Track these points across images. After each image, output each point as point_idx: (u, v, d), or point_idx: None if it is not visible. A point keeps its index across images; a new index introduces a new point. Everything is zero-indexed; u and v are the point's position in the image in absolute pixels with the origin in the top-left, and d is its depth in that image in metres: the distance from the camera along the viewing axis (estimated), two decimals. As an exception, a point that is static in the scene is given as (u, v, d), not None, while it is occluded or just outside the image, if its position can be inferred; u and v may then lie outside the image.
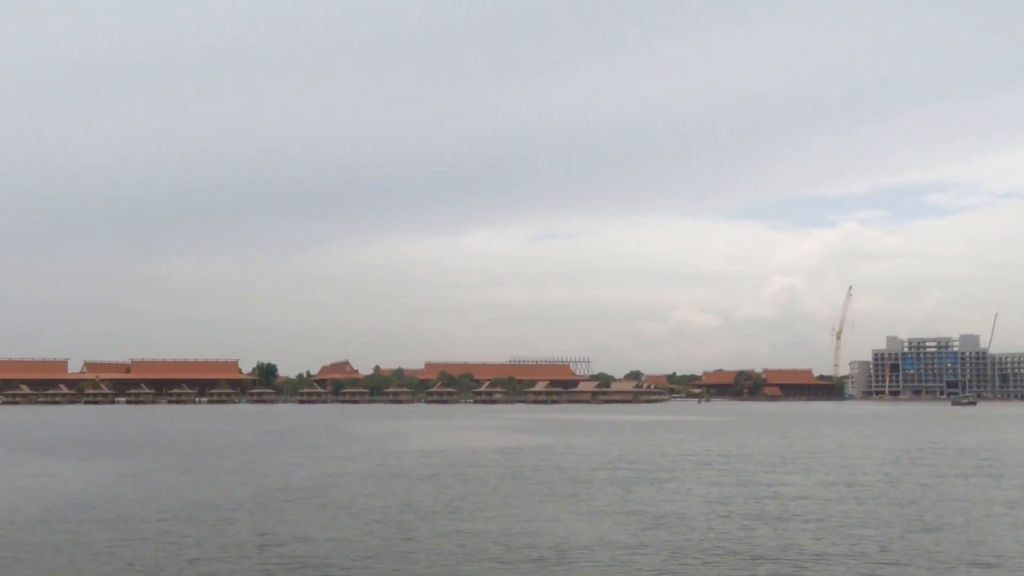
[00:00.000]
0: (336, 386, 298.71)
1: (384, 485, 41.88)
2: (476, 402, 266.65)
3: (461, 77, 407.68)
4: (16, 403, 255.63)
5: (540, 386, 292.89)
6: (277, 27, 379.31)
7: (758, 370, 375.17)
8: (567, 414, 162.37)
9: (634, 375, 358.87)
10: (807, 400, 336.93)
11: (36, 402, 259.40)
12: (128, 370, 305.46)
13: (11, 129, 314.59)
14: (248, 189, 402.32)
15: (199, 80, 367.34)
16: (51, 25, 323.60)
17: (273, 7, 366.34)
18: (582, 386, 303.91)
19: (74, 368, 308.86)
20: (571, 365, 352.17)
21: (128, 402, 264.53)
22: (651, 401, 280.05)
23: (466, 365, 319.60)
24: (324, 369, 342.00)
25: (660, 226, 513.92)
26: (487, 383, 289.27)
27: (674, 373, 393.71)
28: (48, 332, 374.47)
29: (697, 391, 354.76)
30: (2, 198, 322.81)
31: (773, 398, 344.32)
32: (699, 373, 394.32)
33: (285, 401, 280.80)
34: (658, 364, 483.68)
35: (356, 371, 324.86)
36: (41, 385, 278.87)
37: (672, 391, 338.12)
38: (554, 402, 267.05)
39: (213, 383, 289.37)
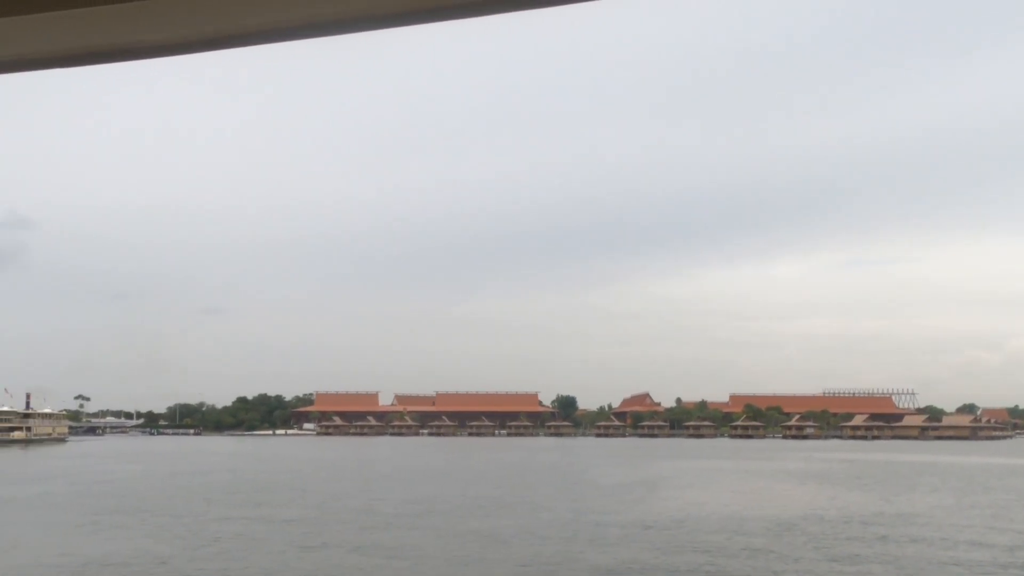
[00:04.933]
0: (635, 419, 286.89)
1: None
2: (784, 437, 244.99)
3: (773, 103, 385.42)
4: (329, 434, 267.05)
5: (858, 419, 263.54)
6: (583, 66, 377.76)
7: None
8: (891, 453, 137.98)
9: (968, 408, 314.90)
10: None
11: (347, 433, 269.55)
12: (434, 403, 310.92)
13: (357, 183, 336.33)
14: (561, 230, 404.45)
15: (514, 131, 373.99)
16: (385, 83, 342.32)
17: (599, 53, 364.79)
18: (907, 420, 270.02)
19: (385, 400, 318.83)
20: (892, 397, 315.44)
21: (431, 434, 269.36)
22: (992, 438, 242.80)
23: (775, 397, 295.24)
24: (624, 402, 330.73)
25: (984, 248, 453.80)
26: (797, 416, 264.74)
27: (1016, 406, 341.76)
28: (366, 367, 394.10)
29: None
30: (347, 250, 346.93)
31: None
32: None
33: (583, 434, 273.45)
34: (992, 397, 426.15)
35: (657, 404, 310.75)
36: (353, 417, 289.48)
37: (1015, 426, 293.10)
38: (875, 438, 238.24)
39: (513, 416, 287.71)
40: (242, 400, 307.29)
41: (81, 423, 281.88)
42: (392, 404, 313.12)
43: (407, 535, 38.26)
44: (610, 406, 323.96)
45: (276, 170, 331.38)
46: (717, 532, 42.52)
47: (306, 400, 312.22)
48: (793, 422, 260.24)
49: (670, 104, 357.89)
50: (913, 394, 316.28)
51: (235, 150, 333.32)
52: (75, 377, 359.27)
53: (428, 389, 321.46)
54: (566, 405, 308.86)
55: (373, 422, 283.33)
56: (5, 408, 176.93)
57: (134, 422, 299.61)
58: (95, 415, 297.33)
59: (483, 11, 1.66)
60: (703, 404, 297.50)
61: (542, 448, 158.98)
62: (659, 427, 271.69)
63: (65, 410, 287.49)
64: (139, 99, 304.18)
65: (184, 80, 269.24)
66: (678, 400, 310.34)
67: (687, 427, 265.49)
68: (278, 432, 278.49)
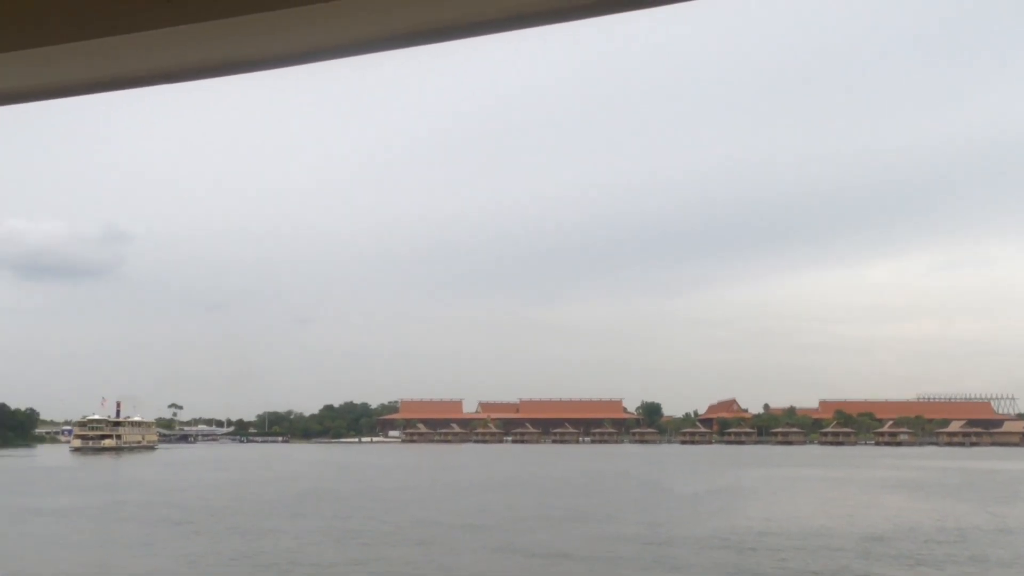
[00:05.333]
0: (722, 425, 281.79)
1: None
2: (877, 443, 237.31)
3: (864, 103, 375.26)
4: (414, 441, 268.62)
5: (955, 426, 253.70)
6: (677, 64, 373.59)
7: None
8: (991, 460, 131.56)
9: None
10: None
11: (432, 440, 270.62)
12: (518, 410, 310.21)
13: (440, 196, 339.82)
14: (648, 235, 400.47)
15: (596, 137, 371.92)
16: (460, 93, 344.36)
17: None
18: (1007, 426, 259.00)
19: (469, 408, 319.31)
20: (991, 402, 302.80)
21: (514, 441, 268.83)
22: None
23: (866, 403, 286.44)
24: (710, 408, 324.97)
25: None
26: (890, 422, 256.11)
27: None
28: (450, 375, 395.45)
29: None
30: (431, 259, 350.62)
31: None
32: None
33: (668, 441, 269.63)
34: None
35: (744, 410, 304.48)
36: (437, 424, 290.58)
37: None
38: (973, 444, 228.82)
39: (597, 422, 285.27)
40: (329, 408, 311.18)
41: (174, 431, 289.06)
42: (476, 411, 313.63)
43: (458, 551, 36.84)
44: (696, 412, 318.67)
45: (365, 188, 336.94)
46: (799, 547, 40.12)
47: (391, 408, 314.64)
48: (886, 428, 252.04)
49: (760, 104, 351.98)
50: (1013, 399, 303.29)
51: (326, 167, 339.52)
52: (169, 386, 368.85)
53: (512, 396, 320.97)
54: (651, 411, 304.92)
55: (457, 429, 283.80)
56: (96, 416, 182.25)
57: (225, 430, 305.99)
58: (188, 423, 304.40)
59: (570, 17, 1.67)
60: (792, 410, 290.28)
61: (625, 455, 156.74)
62: (746, 434, 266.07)
63: (160, 418, 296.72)
64: (229, 116, 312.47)
65: (275, 96, 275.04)
66: (765, 406, 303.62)
67: (775, 434, 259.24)
68: (363, 440, 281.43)
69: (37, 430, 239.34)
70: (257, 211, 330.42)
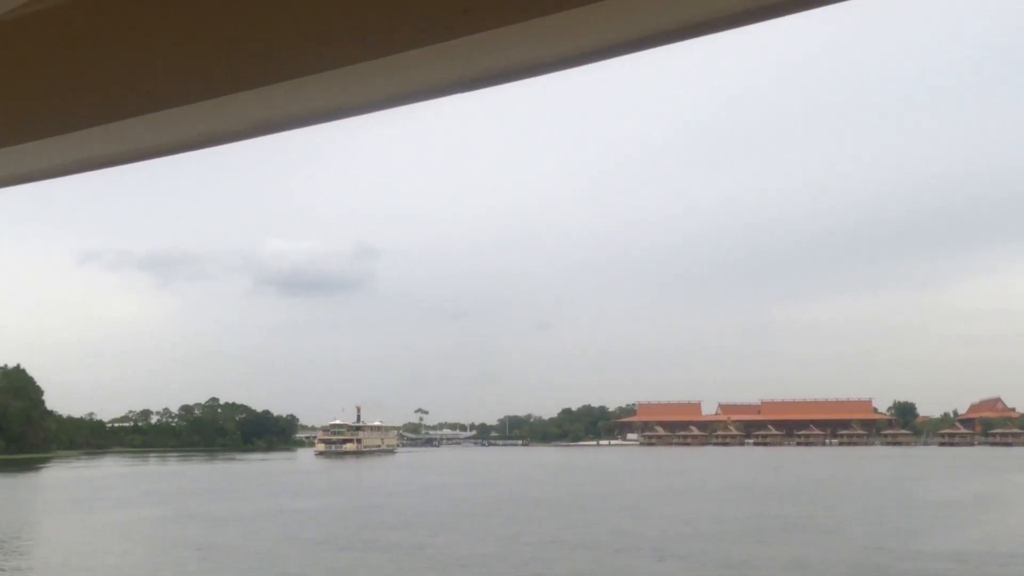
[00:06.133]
0: (985, 426, 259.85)
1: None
2: None
3: None
4: (652, 444, 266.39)
5: None
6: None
7: None
8: None
9: None
10: None
11: (670, 443, 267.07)
12: (759, 411, 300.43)
13: (673, 197, 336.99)
14: (897, 227, 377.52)
15: (826, 129, 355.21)
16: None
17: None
18: None
19: (708, 410, 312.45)
20: None
21: (756, 443, 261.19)
22: None
23: None
24: (972, 407, 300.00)
25: None
26: None
27: None
28: (688, 377, 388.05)
29: None
30: (666, 261, 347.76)
31: None
32: None
33: (924, 443, 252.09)
34: None
35: (1011, 409, 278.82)
36: (675, 427, 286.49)
37: None
38: None
39: (844, 424, 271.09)
40: (567, 412, 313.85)
41: (420, 435, 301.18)
42: (716, 413, 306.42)
43: (636, 564, 34.14)
44: (955, 412, 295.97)
45: (598, 194, 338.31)
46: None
47: (628, 411, 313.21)
48: None
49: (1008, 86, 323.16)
50: None
51: (560, 176, 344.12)
52: (415, 392, 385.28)
53: (753, 397, 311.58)
54: (904, 412, 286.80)
55: (696, 432, 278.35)
56: (338, 421, 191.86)
57: (467, 434, 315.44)
58: (433, 427, 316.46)
59: (787, 11, 1.65)
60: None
61: (874, 458, 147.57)
62: (1013, 435, 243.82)
63: (408, 423, 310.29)
64: (467, 130, 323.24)
65: (512, 109, 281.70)
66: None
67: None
68: (601, 443, 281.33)
69: (297, 435, 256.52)
70: (496, 222, 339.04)
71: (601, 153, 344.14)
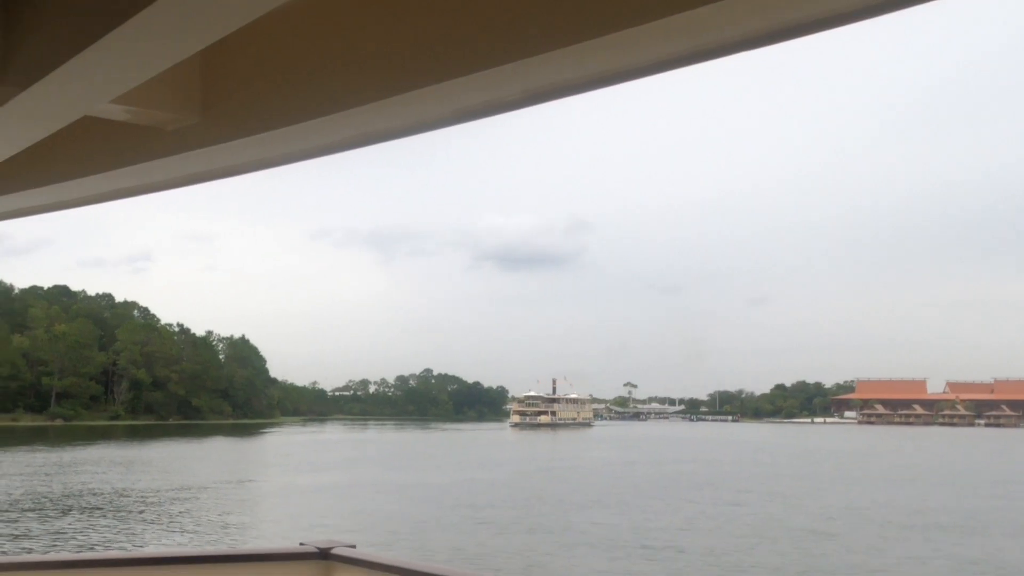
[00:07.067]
0: None
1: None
2: None
3: None
4: (871, 423, 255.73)
5: None
6: None
7: None
8: None
9: None
10: None
11: (891, 422, 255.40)
12: (992, 391, 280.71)
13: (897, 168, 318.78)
14: None
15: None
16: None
17: None
18: None
19: (935, 388, 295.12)
20: None
21: (987, 424, 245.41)
22: None
23: None
24: None
25: None
26: None
27: None
28: (912, 353, 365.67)
29: None
30: (889, 234, 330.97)
31: None
32: None
33: None
34: None
35: None
36: (897, 405, 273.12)
37: None
38: None
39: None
40: (780, 387, 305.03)
41: (628, 408, 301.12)
42: (943, 392, 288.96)
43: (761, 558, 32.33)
44: None
45: (817, 166, 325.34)
46: None
47: (847, 388, 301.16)
48: None
49: None
50: None
51: (772, 139, 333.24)
52: (624, 366, 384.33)
53: (985, 375, 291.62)
54: None
55: (920, 411, 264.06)
56: (532, 393, 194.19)
57: (676, 408, 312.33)
58: (642, 401, 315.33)
59: None
60: None
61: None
62: None
63: (618, 397, 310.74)
64: (680, 107, 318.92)
65: (724, 82, 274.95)
66: None
67: None
68: (816, 420, 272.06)
69: (506, 406, 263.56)
70: (710, 193, 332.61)
71: (821, 126, 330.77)
